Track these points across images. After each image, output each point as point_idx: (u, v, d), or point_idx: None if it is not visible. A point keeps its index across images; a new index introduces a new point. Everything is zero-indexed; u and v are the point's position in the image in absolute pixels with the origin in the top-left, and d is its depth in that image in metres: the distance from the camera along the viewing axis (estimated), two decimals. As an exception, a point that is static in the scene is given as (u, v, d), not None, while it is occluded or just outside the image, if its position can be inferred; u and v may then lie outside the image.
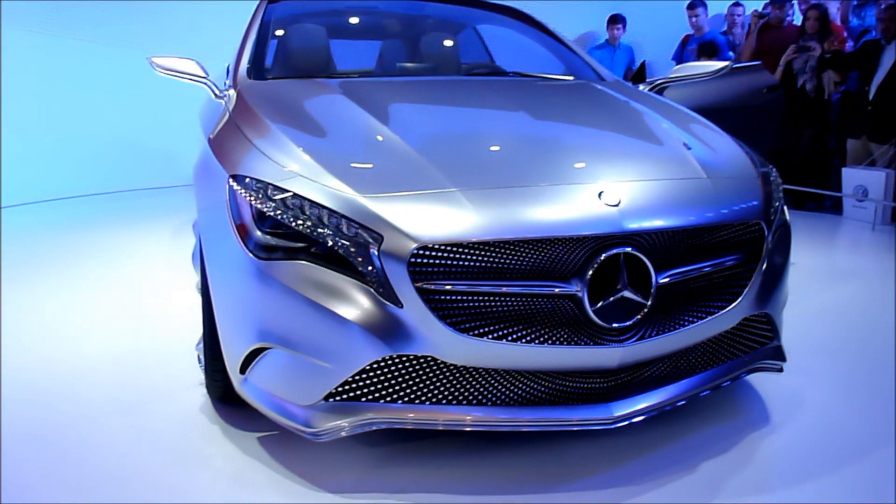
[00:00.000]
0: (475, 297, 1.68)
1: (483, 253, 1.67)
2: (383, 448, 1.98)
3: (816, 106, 5.61)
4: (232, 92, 2.68)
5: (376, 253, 1.64)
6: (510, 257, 1.69)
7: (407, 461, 1.93)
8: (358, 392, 1.72)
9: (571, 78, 3.17)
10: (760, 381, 2.39)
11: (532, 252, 1.70)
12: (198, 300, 3.27)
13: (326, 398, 1.73)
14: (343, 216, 1.69)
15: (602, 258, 1.70)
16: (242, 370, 1.87)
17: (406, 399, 1.73)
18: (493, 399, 1.76)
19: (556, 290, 1.71)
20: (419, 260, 1.64)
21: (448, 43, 3.89)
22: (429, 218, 1.67)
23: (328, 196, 1.74)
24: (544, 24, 3.68)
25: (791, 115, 5.69)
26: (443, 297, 1.66)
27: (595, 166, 1.93)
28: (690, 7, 6.50)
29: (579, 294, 1.70)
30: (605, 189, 1.80)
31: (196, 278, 3.70)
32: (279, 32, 3.27)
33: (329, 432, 1.72)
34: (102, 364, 2.61)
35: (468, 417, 1.74)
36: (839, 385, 2.45)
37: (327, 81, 2.82)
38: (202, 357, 2.26)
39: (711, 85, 3.56)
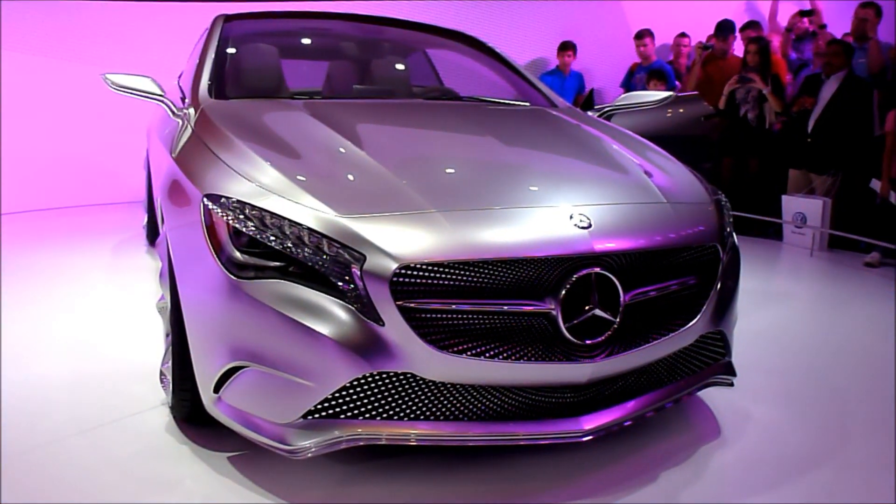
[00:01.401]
0: (454, 315, 1.79)
1: (462, 272, 1.78)
2: (356, 464, 2.06)
3: (759, 135, 5.99)
4: (192, 110, 2.74)
5: (358, 272, 1.73)
6: (488, 277, 1.81)
7: (380, 477, 2.01)
8: (337, 409, 1.80)
9: (527, 104, 3.36)
10: (709, 396, 2.57)
11: (508, 272, 1.82)
12: (153, 320, 3.33)
13: (305, 416, 1.80)
14: (324, 235, 1.78)
15: (575, 278, 1.84)
16: (216, 389, 1.93)
17: (385, 416, 1.81)
18: (469, 414, 1.87)
19: (532, 308, 1.84)
20: (400, 279, 1.74)
21: (400, 66, 4.05)
22: (410, 238, 1.78)
23: (308, 215, 1.82)
24: (496, 49, 3.87)
25: (734, 144, 6.08)
26: (423, 315, 1.76)
27: (564, 190, 2.08)
28: (638, 36, 6.87)
29: (553, 312, 1.83)
30: (576, 212, 1.95)
31: (155, 298, 3.72)
32: (237, 51, 3.33)
33: (307, 450, 1.79)
34: (58, 386, 2.61)
35: (444, 433, 1.84)
36: (781, 400, 2.66)
37: (291, 102, 2.92)
38: (168, 376, 2.31)
39: (654, 113, 3.81)
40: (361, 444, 1.81)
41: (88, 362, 2.85)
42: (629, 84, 6.91)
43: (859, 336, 3.55)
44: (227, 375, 1.90)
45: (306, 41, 4.02)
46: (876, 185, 5.08)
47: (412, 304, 1.75)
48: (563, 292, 1.84)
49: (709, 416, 2.49)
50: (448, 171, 2.22)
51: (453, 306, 1.78)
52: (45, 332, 3.22)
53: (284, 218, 1.83)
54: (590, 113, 3.31)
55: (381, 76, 3.72)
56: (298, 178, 1.99)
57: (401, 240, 1.77)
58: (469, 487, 1.99)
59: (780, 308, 3.97)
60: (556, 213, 1.94)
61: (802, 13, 6.50)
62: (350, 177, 2.08)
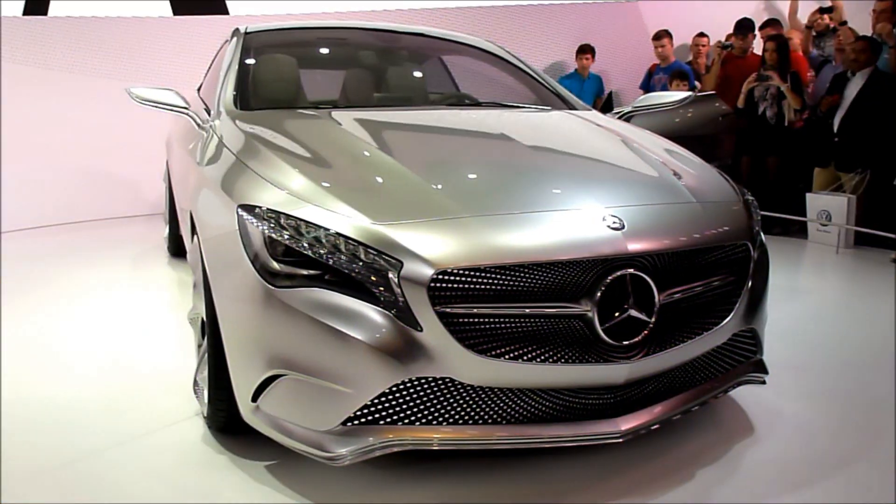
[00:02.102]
0: (491, 319, 1.81)
1: (499, 276, 1.81)
2: (391, 469, 2.09)
3: (778, 133, 5.97)
4: (218, 122, 2.80)
5: (396, 278, 1.77)
6: (524, 280, 1.84)
7: (415, 481, 2.04)
8: (376, 416, 1.83)
9: (548, 107, 3.39)
10: (739, 394, 2.57)
11: (544, 275, 1.85)
12: (181, 331, 3.39)
13: (344, 423, 1.83)
14: (360, 243, 1.81)
15: (610, 279, 1.86)
16: (254, 398, 1.97)
17: (424, 421, 1.84)
18: (508, 418, 1.90)
19: (568, 310, 1.86)
20: (438, 284, 1.77)
21: (418, 74, 4.10)
22: (446, 244, 1.81)
23: (344, 224, 1.86)
24: (513, 54, 3.89)
25: (753, 142, 6.07)
26: (460, 320, 1.79)
27: (595, 192, 2.10)
28: (657, 37, 6.88)
29: (590, 314, 1.86)
30: (608, 213, 1.98)
31: (182, 310, 3.78)
32: (259, 63, 3.38)
33: (347, 456, 1.82)
34: (91, 398, 2.66)
35: (485, 436, 1.87)
36: (812, 397, 2.67)
37: (315, 112, 2.97)
38: (203, 387, 2.35)
39: (671, 113, 3.82)
40: (400, 449, 1.84)
41: (119, 376, 2.90)
42: (648, 85, 6.92)
43: (887, 332, 3.52)
44: (264, 384, 1.93)
45: (325, 51, 4.08)
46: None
47: (450, 310, 1.78)
48: (599, 294, 1.86)
49: (740, 413, 2.50)
50: (478, 176, 2.25)
51: (490, 310, 1.81)
52: (73, 346, 3.28)
53: (320, 227, 1.86)
54: (609, 115, 3.34)
55: (398, 84, 3.78)
56: (331, 186, 2.04)
57: (438, 246, 1.80)
58: (503, 489, 2.02)
59: (806, 305, 3.96)
60: (589, 216, 1.97)
61: (822, 10, 6.46)
62: (381, 184, 2.12)
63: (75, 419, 2.50)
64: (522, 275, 1.84)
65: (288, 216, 1.92)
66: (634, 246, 1.91)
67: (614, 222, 1.95)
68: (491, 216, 1.92)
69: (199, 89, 4.73)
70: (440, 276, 1.77)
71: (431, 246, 1.80)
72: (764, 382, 2.39)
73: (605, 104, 7.20)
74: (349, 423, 1.84)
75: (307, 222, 1.89)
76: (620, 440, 1.95)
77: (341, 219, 1.88)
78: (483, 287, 1.81)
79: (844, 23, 6.16)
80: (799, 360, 3.02)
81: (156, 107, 3.03)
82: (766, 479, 2.11)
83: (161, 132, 5.70)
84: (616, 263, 1.89)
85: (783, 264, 4.90)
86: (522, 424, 1.91)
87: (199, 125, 3.02)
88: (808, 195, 5.79)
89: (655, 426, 2.03)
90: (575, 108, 3.39)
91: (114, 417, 2.50)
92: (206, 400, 2.33)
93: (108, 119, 7.00)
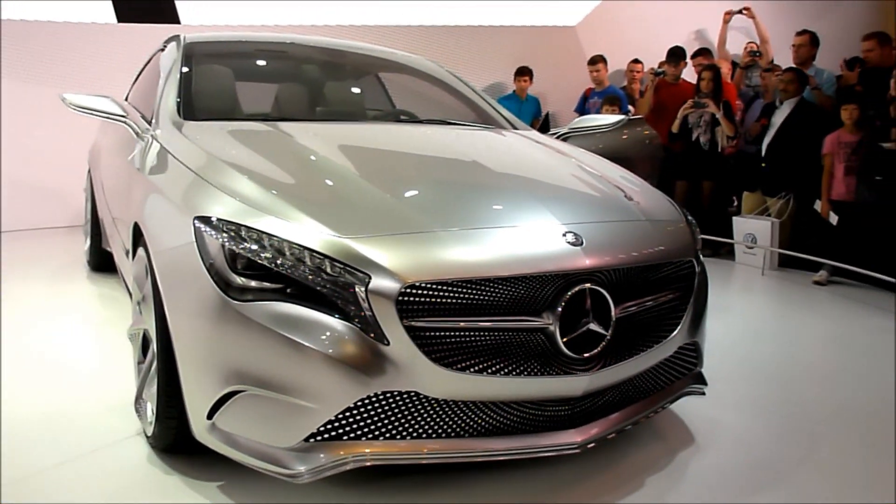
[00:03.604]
0: (457, 333, 1.86)
1: (465, 290, 1.87)
2: (353, 486, 2.10)
3: (711, 158, 6.30)
4: (163, 131, 2.76)
5: (363, 292, 1.79)
6: (488, 294, 1.89)
7: (376, 497, 2.06)
8: (340, 431, 1.84)
9: (493, 127, 3.49)
10: (677, 405, 2.69)
11: (508, 289, 1.91)
12: (110, 348, 3.30)
13: (307, 439, 1.83)
14: (327, 256, 1.82)
15: (572, 293, 1.95)
16: (210, 415, 1.94)
17: (388, 435, 1.87)
18: (470, 431, 1.94)
19: (531, 323, 1.93)
20: (406, 298, 1.80)
21: (357, 89, 4.16)
22: (415, 258, 1.85)
23: (308, 236, 1.86)
24: (457, 76, 4.01)
25: (687, 167, 6.40)
26: (427, 334, 1.83)
27: (554, 209, 2.18)
28: (592, 62, 7.17)
29: (552, 327, 1.94)
30: (568, 230, 2.07)
31: (109, 326, 3.68)
32: (203, 72, 3.34)
33: (309, 473, 1.82)
34: (26, 417, 2.57)
35: (446, 449, 1.91)
36: (744, 407, 2.86)
37: (265, 123, 2.96)
38: (149, 405, 2.30)
39: (603, 135, 4.04)
40: (363, 464, 1.85)
41: (51, 395, 2.80)
42: (583, 108, 7.19)
43: (810, 348, 3.83)
44: (222, 401, 1.91)
45: (270, 63, 4.07)
46: (819, 206, 5.43)
47: (417, 323, 1.82)
48: (561, 308, 1.94)
49: (679, 424, 2.65)
50: (440, 192, 2.30)
51: (456, 324, 1.86)
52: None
53: (284, 239, 1.87)
54: (547, 136, 3.48)
55: (337, 98, 3.81)
56: (291, 198, 2.04)
57: (406, 259, 1.84)
58: (451, 497, 2.07)
59: (733, 323, 4.20)
60: (551, 232, 2.05)
61: (752, 53, 6.90)
62: (342, 197, 2.14)
63: (11, 438, 2.40)
64: (488, 289, 1.90)
65: (249, 228, 1.91)
66: (593, 261, 2.01)
67: (574, 238, 2.04)
68: (457, 231, 1.97)
69: (126, 98, 4.63)
70: (408, 290, 1.80)
71: (399, 260, 1.83)
72: (704, 394, 2.54)
73: (543, 125, 7.42)
74: (312, 439, 1.84)
75: (269, 234, 1.88)
76: (578, 450, 2.03)
77: (305, 231, 1.89)
78: (449, 301, 1.86)
79: (775, 66, 6.58)
80: (729, 373, 3.21)
81: (91, 114, 2.97)
82: (714, 484, 2.24)
83: (79, 139, 5.56)
84: (576, 278, 1.98)
85: (712, 285, 5.04)
86: (484, 437, 1.96)
87: (137, 134, 2.97)
88: (734, 219, 6.12)
89: (610, 436, 2.13)
90: (517, 129, 3.52)
91: (52, 437, 2.42)
92: (151, 418, 2.28)
93: (28, 126, 6.77)
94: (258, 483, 2.08)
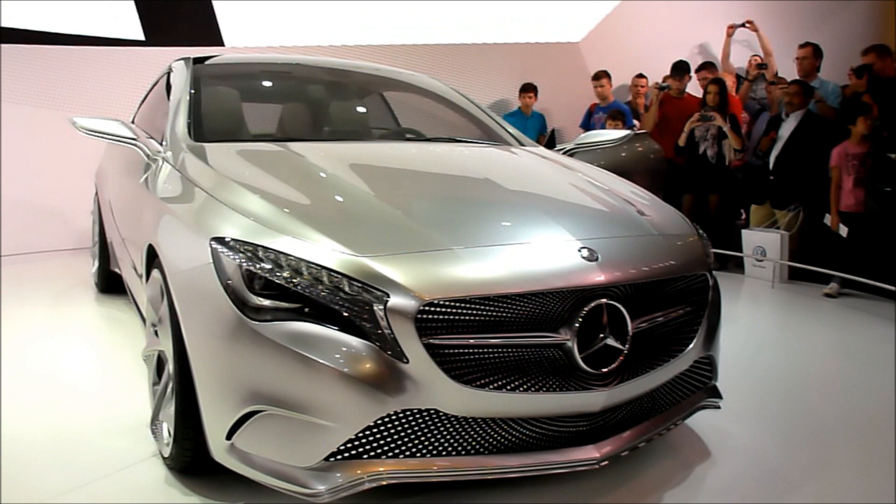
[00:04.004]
0: (476, 350, 1.88)
1: (483, 307, 1.88)
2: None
3: (718, 171, 6.33)
4: (175, 153, 2.79)
5: (382, 311, 1.81)
6: (506, 311, 1.91)
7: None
8: (360, 449, 1.85)
9: (502, 144, 3.52)
10: (690, 419, 2.71)
11: (526, 305, 1.93)
12: (121, 370, 3.31)
13: (327, 458, 1.84)
14: (344, 275, 1.84)
15: (589, 308, 1.96)
16: (229, 436, 1.95)
17: (408, 453, 1.88)
18: (490, 448, 1.95)
19: (549, 339, 1.95)
20: (425, 316, 1.82)
21: (363, 109, 4.20)
22: (433, 276, 1.87)
23: (326, 256, 1.88)
24: (464, 95, 4.04)
25: (695, 181, 6.42)
26: (446, 351, 1.84)
27: (568, 225, 2.20)
28: (596, 77, 7.23)
29: (569, 343, 1.95)
30: (583, 245, 2.09)
31: (116, 348, 3.70)
32: (212, 94, 3.39)
33: (329, 493, 1.83)
34: (37, 443, 2.57)
35: (466, 467, 1.91)
36: (758, 420, 2.87)
37: (277, 144, 2.98)
38: (166, 426, 2.32)
39: (605, 150, 4.09)
40: (384, 483, 1.86)
41: (65, 417, 2.81)
42: (588, 124, 7.23)
43: (820, 359, 3.85)
44: (241, 421, 1.93)
45: (279, 84, 4.11)
46: (828, 219, 5.45)
47: (436, 341, 1.83)
48: (578, 323, 1.96)
49: (693, 437, 2.66)
50: (455, 209, 2.32)
51: (474, 341, 1.88)
52: (10, 388, 3.15)
53: (301, 259, 1.89)
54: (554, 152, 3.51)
55: (345, 118, 3.85)
56: (307, 218, 2.06)
57: (424, 278, 1.86)
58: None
59: (745, 336, 4.21)
60: (566, 248, 2.08)
61: (760, 66, 6.96)
62: (358, 216, 2.16)
63: (27, 463, 2.41)
64: (505, 305, 1.91)
65: (266, 248, 1.93)
66: (608, 276, 2.03)
67: (589, 254, 2.06)
68: (474, 248, 1.99)
69: (132, 120, 4.68)
70: (427, 308, 1.82)
71: (417, 278, 1.85)
72: (719, 407, 2.55)
73: (549, 141, 7.47)
74: (332, 459, 1.85)
75: (286, 254, 1.90)
76: (597, 466, 2.04)
77: (322, 250, 1.91)
78: (467, 318, 1.88)
79: (781, 79, 6.63)
80: (742, 386, 3.22)
81: (101, 138, 3.01)
82: (732, 497, 2.25)
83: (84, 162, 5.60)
84: (592, 293, 2.00)
85: (723, 298, 5.13)
86: (502, 454, 1.97)
87: (147, 156, 3.01)
88: (743, 231, 6.13)
89: (627, 452, 2.14)
90: (524, 145, 3.55)
91: (66, 461, 2.43)
92: (167, 440, 2.29)
93: (35, 149, 6.85)
94: (276, 503, 2.09)
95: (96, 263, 5.14)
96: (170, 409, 2.26)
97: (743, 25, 7.40)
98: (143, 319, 3.36)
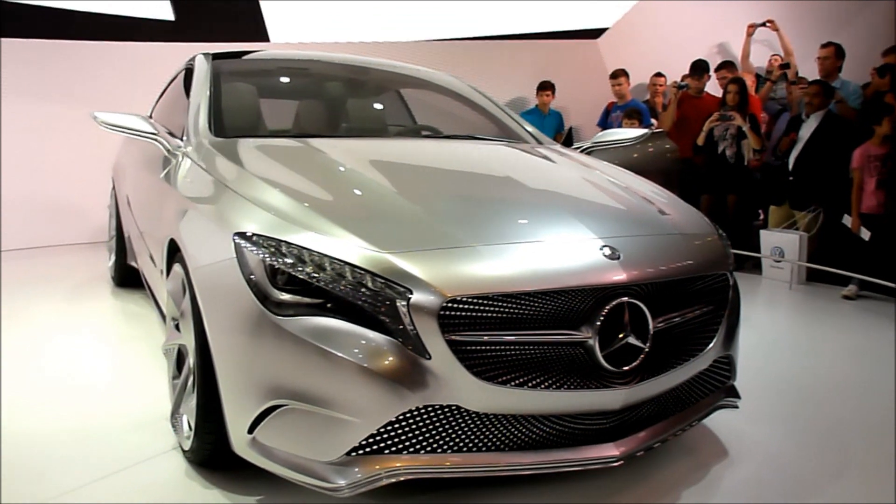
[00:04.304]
0: (497, 346, 1.89)
1: (505, 304, 1.89)
2: (389, 499, 2.12)
3: (737, 172, 6.31)
4: (197, 149, 2.81)
5: (405, 307, 1.82)
6: (528, 308, 1.92)
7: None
8: (381, 444, 1.87)
9: (521, 142, 3.53)
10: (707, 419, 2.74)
11: (548, 302, 1.94)
12: (138, 365, 3.35)
13: (349, 452, 1.86)
14: (368, 271, 1.86)
15: (610, 306, 1.97)
16: (251, 430, 1.97)
17: (428, 449, 1.89)
18: (511, 444, 1.96)
19: (570, 337, 1.96)
20: (448, 312, 1.83)
21: (384, 106, 4.21)
22: (456, 272, 1.88)
23: (349, 252, 1.90)
24: (482, 93, 4.05)
25: (713, 181, 6.40)
26: (468, 348, 1.85)
27: (589, 223, 2.21)
28: (614, 76, 7.22)
29: (591, 341, 1.96)
30: (605, 243, 2.09)
31: (133, 342, 3.74)
32: (231, 90, 3.40)
33: (350, 487, 1.85)
34: (59, 435, 2.60)
35: (486, 463, 1.93)
36: (774, 421, 2.87)
37: (297, 139, 3.01)
38: (186, 420, 2.34)
39: (620, 149, 4.09)
40: (404, 478, 1.87)
41: (84, 411, 2.84)
42: (606, 122, 7.22)
43: (837, 361, 3.82)
44: (263, 415, 1.94)
45: (300, 80, 4.14)
46: (848, 220, 5.41)
47: (458, 337, 1.84)
48: (599, 321, 1.96)
49: (710, 437, 2.67)
50: (475, 206, 2.33)
51: (497, 338, 1.89)
52: (29, 381, 3.20)
53: (325, 255, 1.90)
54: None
55: (363, 115, 3.87)
56: (329, 213, 2.08)
57: (447, 274, 1.87)
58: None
59: (761, 336, 4.18)
60: (588, 245, 2.08)
61: (783, 66, 6.92)
62: (380, 213, 2.18)
63: (47, 456, 2.44)
64: (527, 303, 1.92)
65: (289, 244, 1.94)
66: (630, 274, 2.03)
67: (611, 252, 2.07)
68: (496, 245, 2.00)
69: (150, 115, 4.72)
70: (450, 305, 1.83)
71: (440, 274, 1.86)
72: (737, 407, 2.55)
73: (566, 140, 7.47)
74: (353, 453, 1.86)
75: (310, 250, 1.92)
76: (616, 464, 2.04)
77: (345, 246, 1.92)
78: (490, 315, 1.89)
79: (802, 78, 6.59)
80: (758, 386, 3.21)
81: (122, 132, 3.04)
82: (750, 497, 2.26)
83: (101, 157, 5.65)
84: (614, 291, 2.00)
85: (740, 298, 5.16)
86: (523, 451, 1.98)
87: (168, 151, 3.04)
88: (761, 232, 6.10)
89: (646, 450, 2.14)
90: (542, 143, 3.54)
91: (85, 455, 2.45)
92: (188, 433, 2.32)
93: (51, 144, 6.92)
94: (296, 497, 2.11)
95: (113, 258, 5.20)
96: (191, 403, 2.28)
97: (763, 25, 7.36)
98: (162, 314, 3.40)
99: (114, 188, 5.30)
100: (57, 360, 3.50)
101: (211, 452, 2.22)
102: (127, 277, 4.97)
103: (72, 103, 7.01)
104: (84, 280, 5.46)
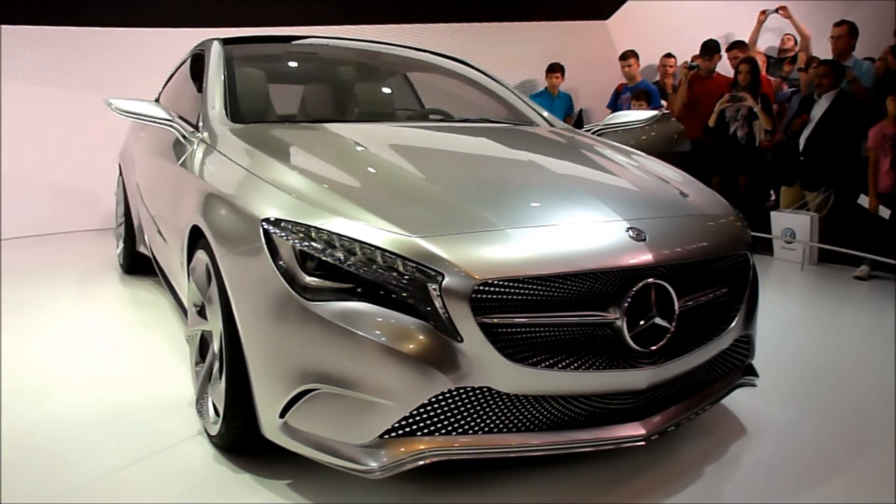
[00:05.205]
0: (527, 328, 1.93)
1: (535, 287, 1.93)
2: (419, 482, 2.18)
3: (749, 153, 6.33)
4: (215, 135, 2.83)
5: (437, 290, 1.86)
6: (558, 290, 1.96)
7: (443, 491, 2.14)
8: (413, 427, 1.91)
9: (537, 125, 3.56)
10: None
11: (576, 284, 1.98)
12: (156, 351, 3.40)
13: (382, 435, 1.90)
14: (399, 255, 1.89)
15: (637, 287, 2.01)
16: (282, 414, 2.02)
17: (460, 430, 1.94)
18: (540, 425, 2.01)
19: (599, 318, 2.00)
20: (479, 295, 1.87)
21: (398, 89, 4.23)
22: (486, 255, 1.91)
23: (380, 237, 1.93)
24: (491, 74, 4.07)
25: (724, 162, 6.41)
26: (499, 330, 1.89)
27: (614, 205, 2.25)
28: (623, 57, 7.21)
29: (618, 322, 2.00)
30: (631, 225, 2.13)
31: (150, 328, 3.78)
32: (245, 75, 3.42)
33: (383, 469, 1.89)
34: (84, 421, 2.65)
35: (520, 444, 1.98)
36: (790, 399, 2.94)
37: (316, 125, 3.03)
38: (213, 405, 2.39)
39: (632, 131, 4.11)
40: (437, 460, 1.92)
41: (107, 397, 2.89)
42: (616, 104, 7.23)
43: (852, 341, 3.89)
44: (295, 399, 1.99)
45: (311, 64, 4.16)
46: (864, 200, 5.43)
47: (489, 320, 1.88)
48: (627, 302, 2.01)
49: (727, 415, 2.73)
50: (501, 189, 2.36)
51: (527, 320, 1.93)
52: (50, 369, 3.25)
53: (355, 239, 1.93)
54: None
55: (379, 100, 3.90)
56: (357, 198, 2.11)
57: (478, 257, 1.91)
58: (523, 495, 2.14)
59: (774, 318, 4.22)
60: (614, 227, 2.12)
61: (790, 60, 6.90)
62: (407, 197, 2.21)
63: (71, 441, 2.50)
64: (556, 285, 1.96)
65: (318, 229, 1.97)
66: (656, 256, 2.07)
67: (636, 234, 2.11)
68: (525, 228, 2.04)
69: (156, 100, 4.73)
70: (481, 288, 1.87)
71: (471, 258, 1.90)
72: (755, 385, 2.61)
73: (577, 122, 7.48)
74: (386, 436, 1.91)
75: (340, 235, 1.95)
76: (643, 443, 2.10)
77: (375, 231, 1.95)
78: (520, 297, 1.93)
79: (812, 57, 6.59)
80: (772, 366, 3.25)
81: (136, 119, 3.07)
82: (770, 473, 2.32)
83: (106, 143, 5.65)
84: (640, 273, 2.05)
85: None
86: (555, 431, 2.03)
87: (185, 137, 3.06)
88: (772, 213, 6.14)
89: (671, 428, 2.20)
90: (554, 126, 3.57)
91: (115, 438, 2.51)
92: (214, 418, 2.37)
93: (57, 130, 6.94)
94: (326, 480, 2.17)
95: (121, 245, 5.23)
96: (218, 388, 2.32)
97: (776, 11, 7.33)
98: (177, 299, 3.45)
99: (121, 174, 5.32)
100: (75, 348, 3.55)
101: (238, 437, 2.27)
102: (135, 265, 5.00)
103: (71, 88, 7.04)
104: (92, 268, 5.50)
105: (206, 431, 2.47)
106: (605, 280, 2.02)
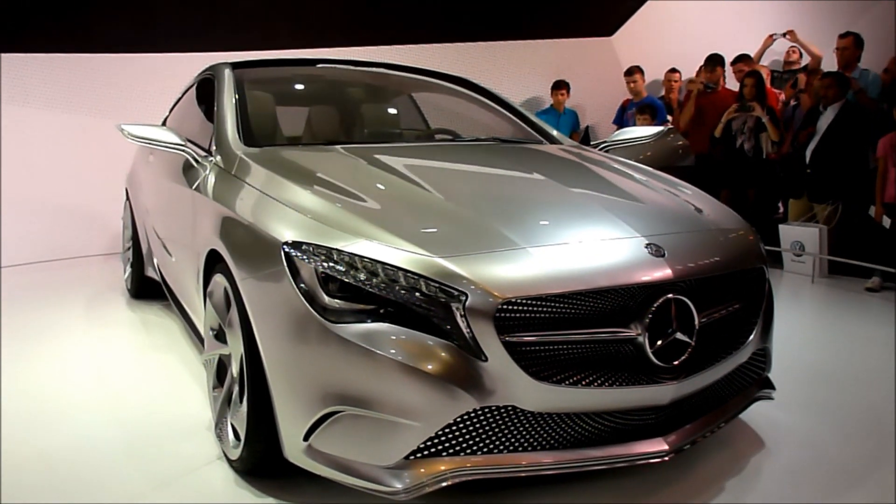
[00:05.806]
0: (551, 346, 1.96)
1: (558, 304, 1.96)
2: (444, 496, 2.17)
3: (756, 165, 6.36)
4: (228, 158, 2.87)
5: (461, 310, 1.88)
6: (580, 307, 1.99)
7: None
8: (439, 447, 1.93)
9: (546, 143, 3.60)
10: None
11: (598, 301, 2.01)
12: (171, 376, 3.41)
13: (408, 456, 1.92)
14: (422, 276, 1.92)
15: (658, 303, 2.04)
16: (306, 437, 2.03)
17: (486, 450, 1.96)
18: (564, 442, 2.03)
19: (621, 334, 2.03)
20: (503, 314, 1.89)
21: (407, 110, 4.26)
22: (509, 275, 1.94)
23: (403, 258, 1.96)
24: (499, 95, 4.11)
25: (730, 174, 6.44)
26: (523, 348, 1.92)
27: (632, 221, 2.28)
28: (629, 73, 7.28)
29: (640, 338, 2.03)
30: (650, 241, 2.17)
31: (157, 352, 3.79)
32: (256, 99, 3.45)
33: (409, 491, 1.91)
34: (103, 448, 2.67)
35: (543, 462, 1.99)
36: (803, 410, 2.96)
37: (329, 147, 3.06)
38: (233, 429, 2.41)
39: (633, 146, 4.15)
40: (462, 480, 1.94)
41: (123, 423, 2.91)
42: (621, 120, 7.29)
43: (866, 352, 3.91)
44: (318, 422, 2.00)
45: (316, 86, 4.20)
46: (874, 211, 5.47)
47: (513, 338, 1.91)
48: (649, 318, 2.03)
49: (744, 428, 2.75)
50: (519, 208, 2.39)
51: (550, 337, 1.96)
52: (66, 395, 3.27)
53: (378, 261, 1.96)
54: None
55: (381, 120, 3.94)
56: (377, 219, 2.13)
57: (501, 277, 1.93)
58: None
59: (787, 331, 4.23)
60: (633, 244, 2.15)
61: (792, 85, 6.93)
62: (427, 217, 2.24)
63: (96, 467, 2.51)
64: (579, 302, 1.99)
65: (340, 251, 2.00)
66: (676, 271, 2.11)
67: (656, 250, 2.14)
68: (546, 247, 2.07)
69: (163, 123, 4.78)
70: (505, 307, 1.90)
71: (494, 277, 1.93)
72: (773, 398, 2.63)
73: (584, 138, 7.54)
74: (412, 457, 1.93)
75: (362, 256, 1.97)
76: (666, 458, 2.12)
77: (398, 252, 1.98)
78: (543, 315, 1.96)
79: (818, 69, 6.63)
80: (788, 378, 3.24)
81: (148, 144, 3.11)
82: (792, 484, 2.34)
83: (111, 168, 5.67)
84: (661, 288, 2.07)
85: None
86: (578, 448, 2.05)
87: (198, 161, 3.09)
88: (780, 226, 6.15)
89: (693, 443, 2.22)
90: (563, 144, 3.61)
91: (136, 464, 2.53)
92: (234, 443, 2.38)
93: (64, 155, 6.99)
94: (346, 501, 2.18)
95: (129, 269, 5.25)
96: (239, 412, 2.34)
97: (784, 36, 7.39)
98: (189, 323, 3.47)
99: (128, 199, 5.36)
100: (88, 374, 3.57)
101: (259, 460, 2.28)
102: (143, 289, 5.02)
103: (78, 113, 7.11)
104: (100, 292, 5.52)
105: (225, 455, 2.48)
106: (626, 296, 2.05)
